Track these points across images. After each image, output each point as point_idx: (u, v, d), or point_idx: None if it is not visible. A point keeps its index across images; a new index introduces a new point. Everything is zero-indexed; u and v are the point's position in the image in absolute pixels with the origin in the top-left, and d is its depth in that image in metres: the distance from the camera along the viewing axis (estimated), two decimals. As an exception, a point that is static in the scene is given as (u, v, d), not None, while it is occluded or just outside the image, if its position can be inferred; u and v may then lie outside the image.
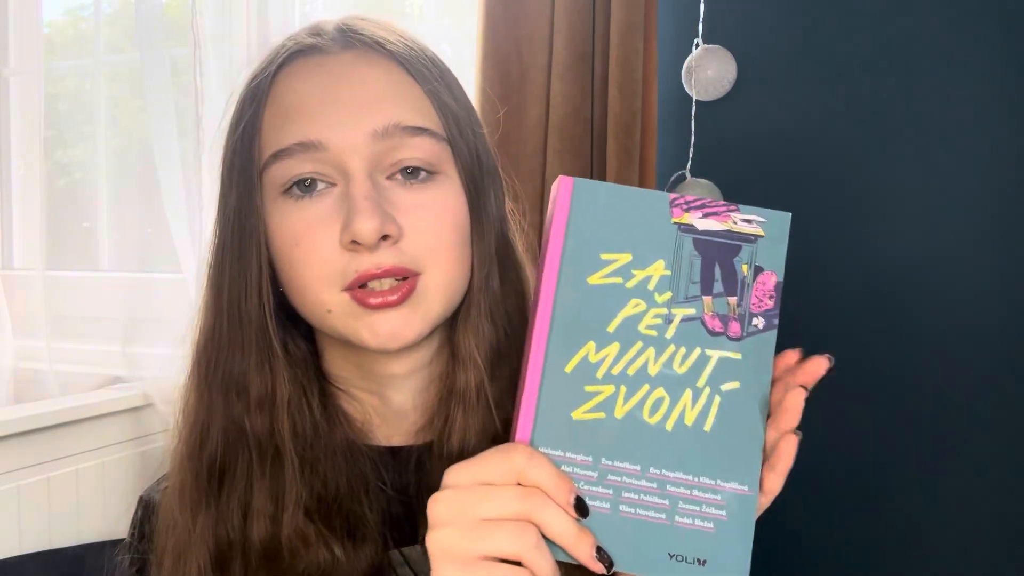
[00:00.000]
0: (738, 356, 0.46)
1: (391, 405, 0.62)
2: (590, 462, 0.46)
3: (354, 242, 0.53)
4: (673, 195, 0.47)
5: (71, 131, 1.82)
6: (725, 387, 0.46)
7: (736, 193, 1.24)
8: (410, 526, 0.59)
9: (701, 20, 1.23)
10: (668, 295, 0.47)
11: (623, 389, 0.46)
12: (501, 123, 1.26)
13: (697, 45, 1.23)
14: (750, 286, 0.47)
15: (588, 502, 0.45)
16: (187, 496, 0.58)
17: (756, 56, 1.23)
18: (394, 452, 0.62)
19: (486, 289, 0.59)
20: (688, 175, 1.25)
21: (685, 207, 0.47)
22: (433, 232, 0.55)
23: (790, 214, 0.48)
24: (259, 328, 0.57)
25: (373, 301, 0.54)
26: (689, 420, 0.46)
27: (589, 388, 0.46)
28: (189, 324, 0.62)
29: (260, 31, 1.52)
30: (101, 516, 1.28)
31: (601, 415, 0.46)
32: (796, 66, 1.21)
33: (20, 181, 1.84)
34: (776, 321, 0.47)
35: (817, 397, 1.29)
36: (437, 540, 0.45)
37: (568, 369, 0.46)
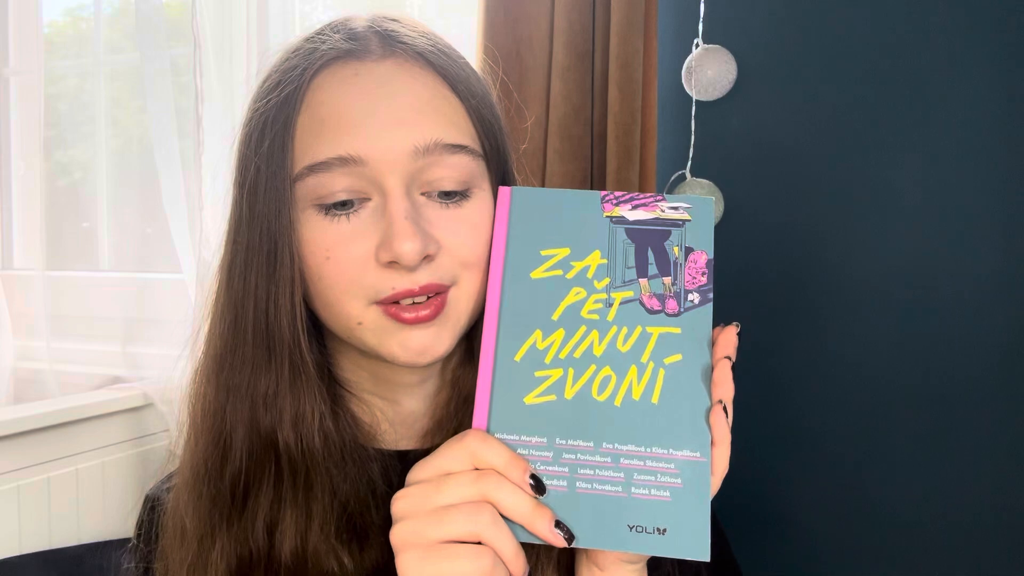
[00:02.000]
0: (678, 331, 0.49)
1: (401, 410, 0.62)
2: (544, 443, 0.48)
3: (393, 262, 0.52)
4: (604, 192, 0.51)
5: (71, 131, 1.83)
6: (668, 360, 0.49)
7: (736, 193, 1.24)
8: None
9: (701, 20, 1.23)
10: (607, 281, 0.50)
11: (571, 371, 0.49)
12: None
13: (697, 45, 1.23)
14: (683, 265, 0.50)
15: (545, 481, 0.47)
16: (204, 511, 0.56)
17: (756, 56, 1.23)
18: (402, 456, 0.61)
19: None
20: (688, 175, 1.25)
21: (615, 201, 0.51)
22: (468, 248, 0.54)
23: (712, 198, 0.51)
24: (292, 346, 0.55)
25: (407, 316, 0.53)
26: (636, 394, 0.48)
27: (539, 373, 0.49)
28: (193, 330, 0.60)
29: (260, 31, 1.52)
30: (101, 516, 1.28)
31: (552, 397, 0.49)
32: (796, 66, 1.21)
33: (20, 181, 1.84)
34: (711, 296, 0.50)
35: (818, 398, 1.28)
36: (398, 533, 0.46)
37: (517, 358, 0.49)
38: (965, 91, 1.12)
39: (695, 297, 0.49)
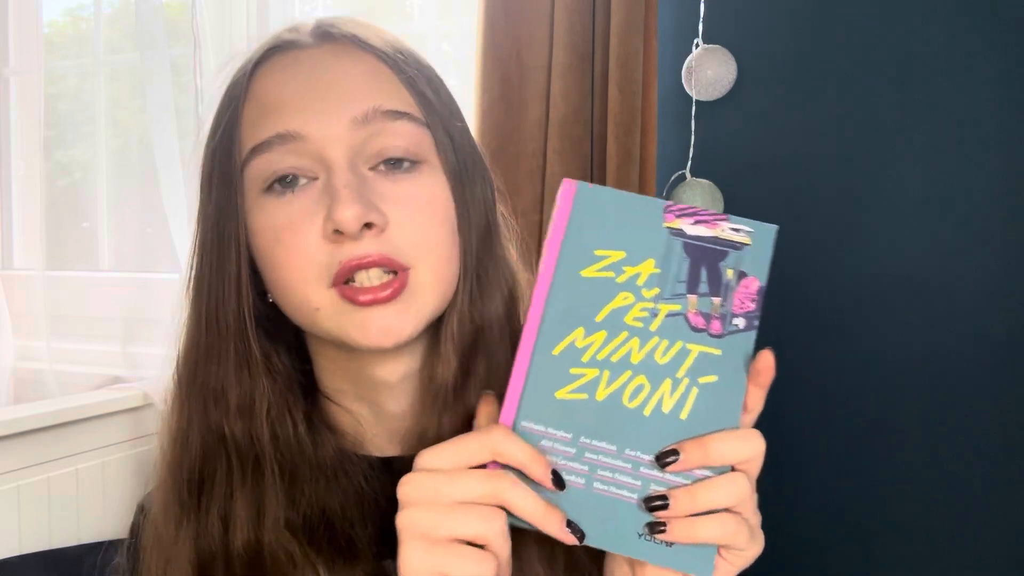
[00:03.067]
0: (718, 352, 0.49)
1: (384, 414, 0.61)
2: (569, 439, 0.48)
3: (337, 232, 0.51)
4: (668, 203, 0.50)
5: (71, 131, 1.83)
6: (703, 380, 0.48)
7: (736, 193, 1.24)
8: None
9: (701, 20, 1.23)
10: (656, 291, 0.49)
11: (606, 374, 0.48)
12: (501, 124, 1.26)
13: (697, 45, 1.23)
14: (733, 288, 0.49)
15: (564, 476, 0.47)
16: (169, 508, 0.57)
17: (756, 56, 1.23)
18: (388, 463, 0.61)
19: (473, 282, 0.58)
20: (688, 175, 1.25)
21: (678, 213, 0.50)
22: (421, 224, 0.54)
23: (776, 227, 0.50)
24: (238, 332, 0.56)
25: (363, 298, 0.52)
26: (666, 407, 0.48)
27: (574, 370, 0.49)
28: (174, 334, 0.61)
29: (260, 31, 1.52)
30: (101, 516, 1.28)
31: (584, 396, 0.48)
32: (796, 66, 1.21)
33: (20, 181, 1.84)
34: (756, 323, 0.49)
35: (817, 398, 1.28)
36: (407, 517, 0.45)
37: (556, 352, 0.49)
38: (966, 91, 1.12)
39: (740, 322, 0.49)
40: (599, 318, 0.49)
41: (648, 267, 0.50)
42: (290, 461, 0.57)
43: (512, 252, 0.63)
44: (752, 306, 0.49)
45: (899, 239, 1.16)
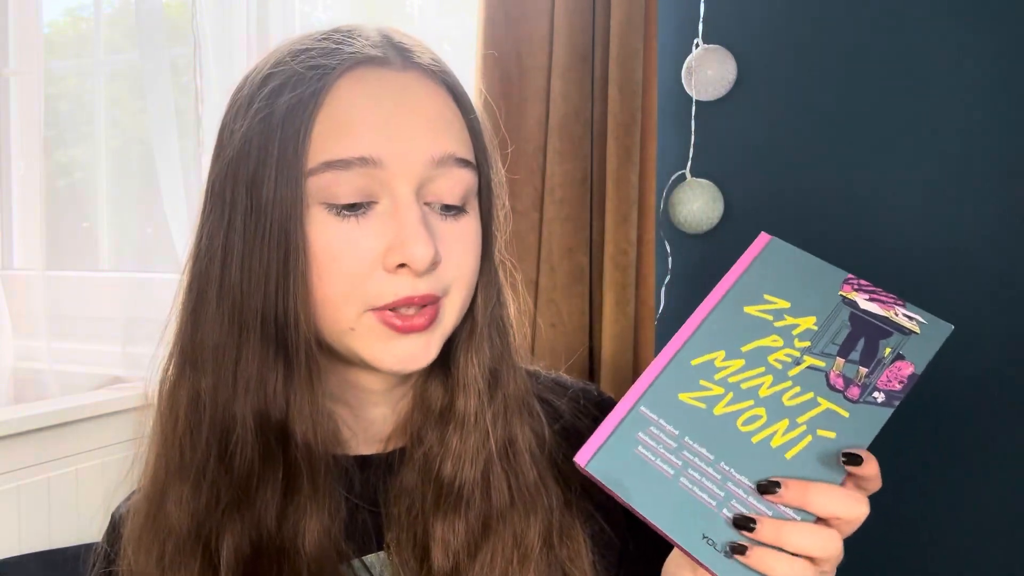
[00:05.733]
0: (846, 414, 0.51)
1: (364, 416, 0.62)
2: (676, 434, 0.51)
3: (403, 266, 0.53)
4: (850, 276, 0.54)
5: (71, 131, 1.83)
6: (821, 432, 0.50)
7: (736, 193, 1.24)
8: (376, 534, 0.59)
9: (701, 20, 1.23)
10: (807, 344, 0.52)
11: (730, 395, 0.51)
12: (502, 124, 1.26)
13: (697, 45, 1.23)
14: (886, 366, 0.52)
15: (659, 464, 0.50)
16: (194, 501, 0.56)
17: (756, 56, 1.23)
18: (363, 461, 0.61)
19: (489, 313, 0.60)
20: (688, 175, 1.25)
21: (856, 287, 0.54)
22: (462, 262, 0.57)
23: (952, 327, 0.53)
24: (308, 343, 0.54)
25: (401, 324, 0.54)
26: (775, 443, 0.50)
27: (703, 382, 0.52)
28: (164, 325, 0.59)
29: (260, 31, 1.52)
30: (101, 516, 1.28)
31: (702, 406, 0.51)
32: (796, 66, 1.21)
33: (20, 181, 1.84)
34: (897, 403, 0.51)
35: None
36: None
37: (694, 362, 0.52)
38: (966, 90, 1.12)
39: (880, 396, 0.51)
40: (744, 348, 0.52)
41: (808, 322, 0.53)
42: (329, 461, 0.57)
43: (503, 282, 0.64)
44: (898, 387, 0.51)
45: (899, 239, 1.16)
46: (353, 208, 0.53)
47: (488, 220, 0.60)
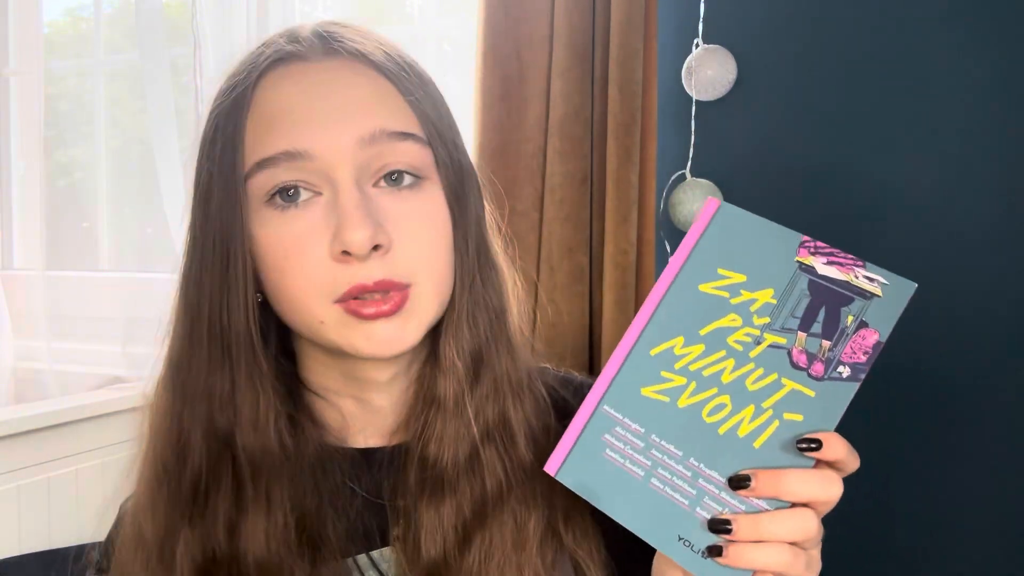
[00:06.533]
0: (811, 394, 0.48)
1: (369, 408, 0.62)
2: (642, 432, 0.49)
3: (345, 252, 0.52)
4: (806, 238, 0.51)
5: (71, 131, 1.83)
6: (788, 415, 0.48)
7: (735, 193, 1.24)
8: (381, 529, 0.59)
9: (701, 20, 1.23)
10: (766, 320, 0.50)
11: (693, 384, 0.49)
12: (501, 124, 1.26)
13: (697, 45, 1.23)
14: (849, 336, 0.49)
15: (628, 466, 0.49)
16: (163, 514, 0.57)
17: (756, 56, 1.23)
18: (368, 454, 0.62)
19: (469, 296, 0.59)
20: (688, 175, 1.25)
21: (813, 250, 0.50)
22: (422, 242, 0.55)
23: (915, 284, 0.50)
24: (247, 347, 0.56)
25: (367, 311, 0.53)
26: (742, 432, 0.48)
27: (664, 373, 0.50)
28: (160, 336, 0.61)
29: (260, 31, 1.52)
30: (101, 516, 1.28)
31: (666, 399, 0.49)
32: (796, 66, 1.21)
33: (20, 181, 1.84)
34: (863, 376, 0.48)
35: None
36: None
37: (653, 352, 0.50)
38: (966, 90, 1.12)
39: (845, 371, 0.48)
40: (703, 332, 0.50)
41: (765, 295, 0.50)
42: (291, 463, 0.57)
43: (502, 263, 0.64)
44: (863, 358, 0.48)
45: (899, 239, 1.16)
46: (289, 196, 0.54)
47: (460, 196, 0.58)
